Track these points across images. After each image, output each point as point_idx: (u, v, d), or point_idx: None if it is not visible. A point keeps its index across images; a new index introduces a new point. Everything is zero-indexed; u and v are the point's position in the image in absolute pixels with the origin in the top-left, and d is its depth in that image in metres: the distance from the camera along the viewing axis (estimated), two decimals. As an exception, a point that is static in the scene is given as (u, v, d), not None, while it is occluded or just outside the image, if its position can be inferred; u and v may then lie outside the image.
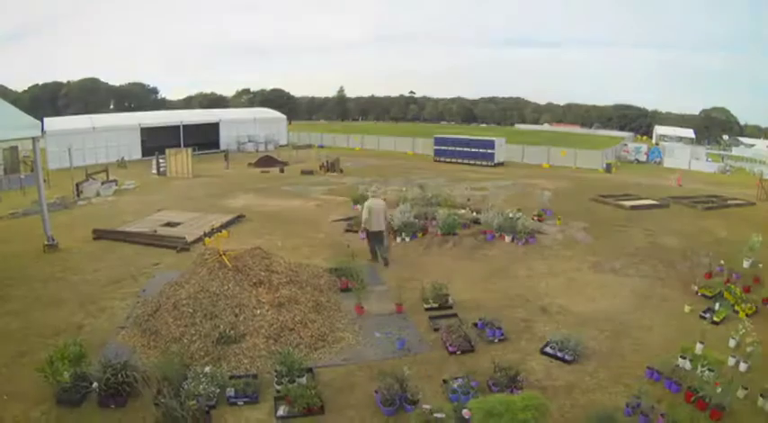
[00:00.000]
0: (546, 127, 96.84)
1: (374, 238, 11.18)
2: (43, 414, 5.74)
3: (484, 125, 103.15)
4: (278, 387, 6.23)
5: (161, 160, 26.10)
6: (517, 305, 9.12)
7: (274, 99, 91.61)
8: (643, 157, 38.53)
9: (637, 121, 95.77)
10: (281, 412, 5.82)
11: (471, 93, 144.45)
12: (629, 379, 6.66)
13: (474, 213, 15.21)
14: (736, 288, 9.40)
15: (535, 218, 14.70)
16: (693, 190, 23.07)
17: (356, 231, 13.56)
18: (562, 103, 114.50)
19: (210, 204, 18.01)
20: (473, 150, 32.08)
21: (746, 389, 6.20)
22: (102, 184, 20.82)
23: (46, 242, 11.97)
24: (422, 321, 8.38)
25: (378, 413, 5.90)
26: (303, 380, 6.27)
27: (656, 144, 48.31)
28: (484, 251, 12.26)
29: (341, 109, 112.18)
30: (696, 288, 9.70)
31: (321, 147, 42.38)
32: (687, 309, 8.84)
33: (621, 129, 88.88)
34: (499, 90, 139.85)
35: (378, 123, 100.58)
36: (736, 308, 8.78)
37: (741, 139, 62.54)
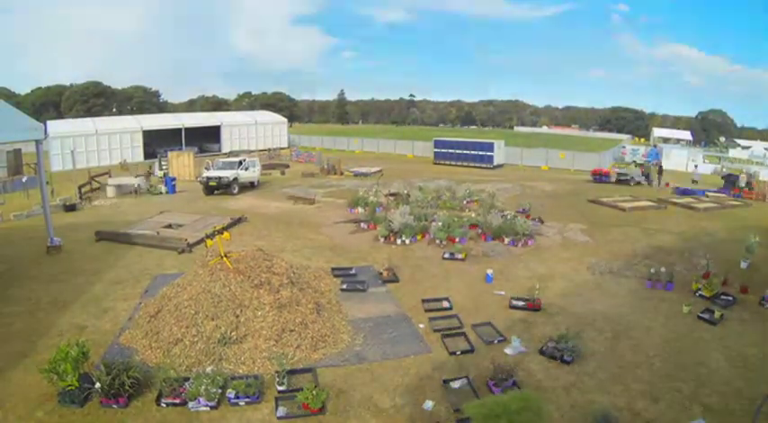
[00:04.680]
0: (544, 129, 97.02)
1: None
2: (46, 414, 5.80)
3: (476, 127, 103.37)
4: (279, 387, 6.30)
5: (163, 163, 26.27)
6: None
7: (275, 102, 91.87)
8: (641, 159, 38.65)
9: (634, 123, 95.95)
10: (280, 413, 5.88)
11: (470, 95, 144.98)
12: (628, 379, 6.72)
13: (474, 215, 15.30)
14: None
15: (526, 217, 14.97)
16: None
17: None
18: (560, 106, 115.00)
19: (212, 206, 18.10)
20: (472, 153, 32.22)
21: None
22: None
23: (49, 244, 12.05)
24: (423, 322, 8.43)
25: (378, 414, 5.95)
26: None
27: (654, 146, 48.46)
28: (483, 253, 12.33)
29: (341, 112, 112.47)
30: (699, 286, 9.76)
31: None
32: (686, 309, 8.91)
33: (619, 131, 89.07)
34: (498, 93, 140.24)
35: (378, 126, 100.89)
36: None
37: (738, 141, 62.75)
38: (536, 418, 5.04)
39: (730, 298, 9.40)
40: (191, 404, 5.93)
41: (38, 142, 12.40)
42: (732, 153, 47.85)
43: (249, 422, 5.80)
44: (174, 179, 21.91)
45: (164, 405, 5.97)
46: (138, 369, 6.29)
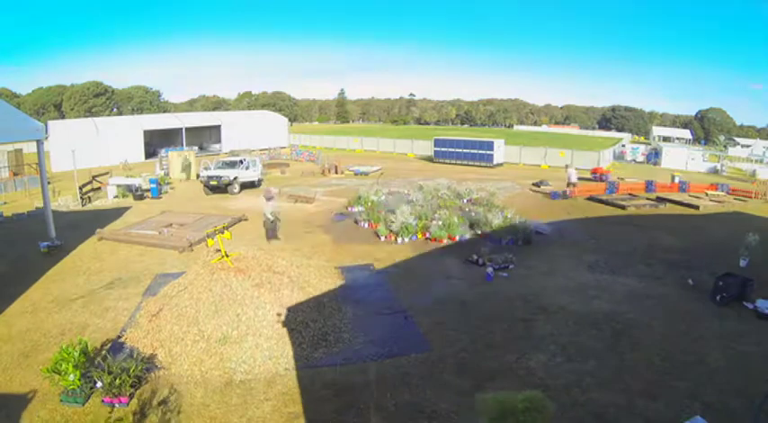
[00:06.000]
0: (544, 128, 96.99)
1: None
2: (49, 413, 5.83)
3: (473, 126, 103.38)
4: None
5: (164, 162, 26.34)
6: (517, 305, 9.22)
7: (275, 102, 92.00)
8: (640, 158, 38.65)
9: (634, 122, 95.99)
10: None
11: (470, 94, 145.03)
12: (628, 378, 6.74)
13: (473, 214, 15.33)
14: None
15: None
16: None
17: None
18: (560, 105, 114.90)
19: (213, 206, 18.15)
20: (472, 152, 32.25)
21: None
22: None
23: (50, 243, 12.09)
24: (423, 322, 8.47)
25: (378, 412, 5.98)
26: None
27: (654, 147, 48.44)
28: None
29: (341, 111, 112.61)
30: (692, 283, 9.82)
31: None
32: (684, 307, 8.93)
33: (619, 130, 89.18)
34: (497, 92, 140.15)
35: (377, 125, 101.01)
36: None
37: (738, 139, 62.71)
38: (541, 418, 5.07)
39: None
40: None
41: (39, 142, 12.45)
42: (732, 152, 47.77)
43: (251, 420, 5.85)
44: (156, 181, 20.10)
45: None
46: (139, 368, 6.33)
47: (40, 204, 14.63)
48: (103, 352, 7.12)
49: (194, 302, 7.82)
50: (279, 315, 7.72)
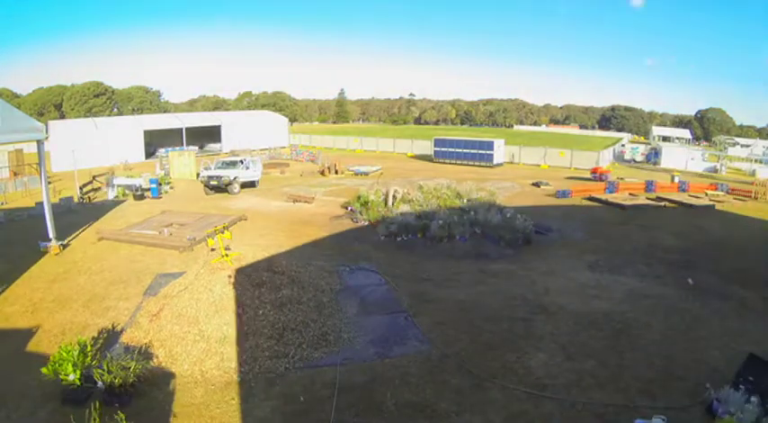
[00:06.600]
0: (544, 128, 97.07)
1: None
2: (49, 413, 5.84)
3: (472, 126, 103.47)
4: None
5: (164, 162, 26.36)
6: (517, 305, 9.21)
7: (275, 102, 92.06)
8: (640, 158, 38.66)
9: (633, 121, 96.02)
10: None
11: (470, 94, 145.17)
12: (629, 377, 6.74)
13: (473, 213, 15.33)
14: None
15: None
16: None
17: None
18: (560, 105, 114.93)
19: (213, 205, 18.15)
20: (472, 151, 32.29)
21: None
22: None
23: (49, 243, 12.08)
24: (423, 322, 8.47)
25: (378, 412, 5.99)
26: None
27: (653, 147, 48.43)
28: (484, 251, 12.36)
29: (341, 111, 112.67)
30: (692, 283, 9.84)
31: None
32: (684, 307, 8.93)
33: (619, 130, 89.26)
34: (497, 92, 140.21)
35: (377, 125, 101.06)
36: None
37: (738, 139, 62.64)
38: None
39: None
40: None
41: (39, 142, 12.44)
42: (731, 151, 47.74)
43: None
44: (156, 181, 19.95)
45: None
46: (139, 368, 6.33)
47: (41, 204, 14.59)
48: (104, 351, 7.12)
49: (195, 302, 7.83)
50: (279, 314, 7.73)
